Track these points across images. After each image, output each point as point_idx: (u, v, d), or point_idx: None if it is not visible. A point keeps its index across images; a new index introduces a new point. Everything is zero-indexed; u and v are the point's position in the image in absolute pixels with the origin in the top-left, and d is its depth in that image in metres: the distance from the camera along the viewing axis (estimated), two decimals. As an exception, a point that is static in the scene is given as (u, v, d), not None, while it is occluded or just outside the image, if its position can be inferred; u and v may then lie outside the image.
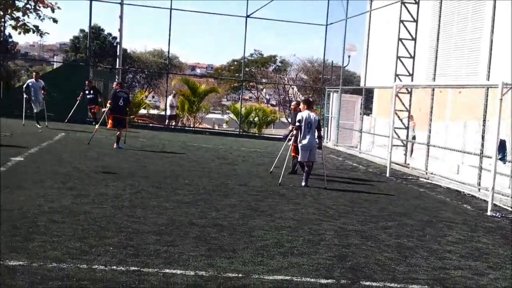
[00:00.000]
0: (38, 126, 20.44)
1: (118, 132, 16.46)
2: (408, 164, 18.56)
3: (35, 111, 21.02)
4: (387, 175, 16.34)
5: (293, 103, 16.29)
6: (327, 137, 27.40)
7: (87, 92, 22.42)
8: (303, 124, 12.67)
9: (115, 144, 16.30)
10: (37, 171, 11.10)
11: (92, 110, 22.97)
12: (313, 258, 6.79)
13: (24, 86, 21.75)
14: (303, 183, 12.61)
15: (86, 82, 22.89)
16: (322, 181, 12.90)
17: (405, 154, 19.27)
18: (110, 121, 16.47)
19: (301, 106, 13.32)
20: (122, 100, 16.26)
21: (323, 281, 5.97)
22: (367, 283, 6.06)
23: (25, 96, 21.21)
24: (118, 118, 16.23)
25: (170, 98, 29.98)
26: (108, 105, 16.70)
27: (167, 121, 29.91)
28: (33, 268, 5.48)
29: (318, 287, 5.76)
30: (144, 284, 5.32)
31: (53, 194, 9.04)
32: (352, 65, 39.79)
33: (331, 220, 9.16)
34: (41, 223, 7.16)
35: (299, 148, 12.90)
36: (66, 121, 22.65)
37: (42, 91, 20.88)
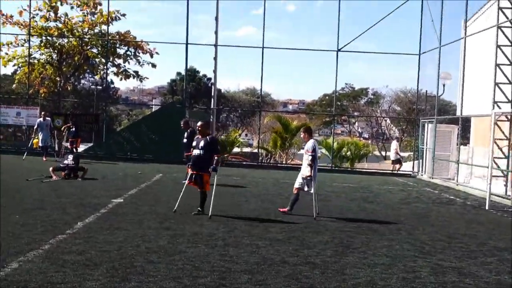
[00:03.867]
0: (43, 159, 23.43)
1: None
2: (510, 196, 17.70)
3: (40, 145, 24.60)
4: (487, 207, 15.64)
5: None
6: (422, 170, 26.69)
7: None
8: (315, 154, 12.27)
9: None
10: (135, 212, 11.53)
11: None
12: (408, 296, 6.59)
13: (35, 126, 24.97)
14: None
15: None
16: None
17: (506, 185, 18.39)
18: None
19: (305, 135, 12.64)
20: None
21: (419, 320, 5.78)
22: (466, 323, 5.80)
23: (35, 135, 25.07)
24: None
25: (394, 143, 31.07)
26: None
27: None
28: (130, 307, 5.66)
29: (413, 327, 5.58)
30: (236, 324, 5.37)
31: (150, 234, 9.34)
32: (447, 94, 38.71)
33: (427, 256, 8.87)
34: (137, 264, 7.40)
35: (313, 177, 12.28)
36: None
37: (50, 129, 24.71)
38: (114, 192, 14.37)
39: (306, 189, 12.46)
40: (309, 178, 12.29)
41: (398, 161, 29.84)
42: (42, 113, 25.86)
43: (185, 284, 6.58)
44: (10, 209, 10.90)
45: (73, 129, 24.48)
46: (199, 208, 11.68)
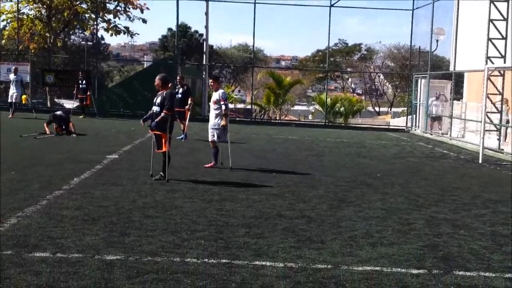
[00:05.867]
0: (10, 115, 22.51)
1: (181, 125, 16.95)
2: (502, 150, 17.84)
3: (8, 100, 23.55)
4: (480, 161, 15.78)
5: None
6: (415, 125, 26.80)
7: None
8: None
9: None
10: (130, 168, 11.56)
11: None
12: (403, 248, 6.70)
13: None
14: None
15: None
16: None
17: (499, 139, 18.52)
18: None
19: (214, 84, 12.21)
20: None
21: (414, 271, 5.89)
22: (460, 273, 5.92)
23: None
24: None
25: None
26: (190, 101, 17.04)
27: None
28: (130, 262, 5.72)
29: (409, 277, 5.68)
30: (235, 276, 5.45)
31: (146, 190, 9.40)
32: (440, 49, 38.65)
33: (421, 209, 8.99)
34: (135, 218, 7.47)
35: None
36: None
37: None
38: (109, 148, 14.38)
39: (217, 139, 12.16)
40: (225, 127, 12.06)
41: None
42: (13, 67, 24.71)
43: (183, 238, 6.66)
44: (6, 166, 10.91)
45: (84, 85, 23.97)
46: (160, 173, 10.45)
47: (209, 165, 12.24)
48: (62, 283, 5.04)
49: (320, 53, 63.86)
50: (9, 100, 23.34)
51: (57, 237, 6.40)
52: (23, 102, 25.83)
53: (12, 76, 23.23)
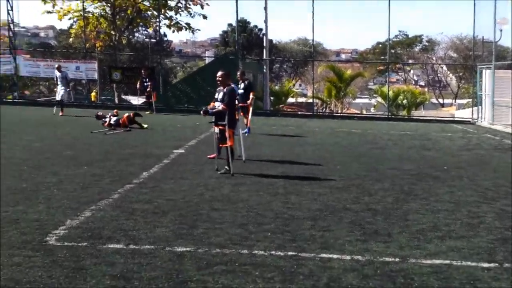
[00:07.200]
0: (60, 114, 22.05)
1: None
2: None
3: (56, 99, 22.92)
4: (552, 153, 15.25)
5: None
6: (481, 116, 26.11)
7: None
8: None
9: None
10: (196, 162, 11.78)
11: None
12: (473, 241, 6.60)
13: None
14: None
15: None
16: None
17: None
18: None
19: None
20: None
21: (485, 264, 5.79)
22: (533, 267, 5.79)
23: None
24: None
25: None
26: (252, 96, 17.15)
27: None
28: (199, 253, 5.86)
29: (479, 271, 5.60)
30: (302, 269, 5.50)
31: (213, 183, 9.57)
32: (505, 39, 37.40)
33: (490, 202, 8.79)
34: (203, 211, 7.62)
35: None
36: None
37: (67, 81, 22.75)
38: (175, 143, 14.69)
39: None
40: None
41: None
42: (57, 65, 24.41)
43: (250, 230, 6.77)
44: (78, 161, 11.33)
45: (148, 82, 24.33)
46: (226, 167, 10.50)
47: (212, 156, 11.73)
48: (135, 273, 5.23)
49: (380, 45, 62.83)
50: (57, 98, 22.90)
51: (129, 229, 6.63)
52: (93, 100, 26.53)
53: (57, 73, 22.73)
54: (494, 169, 12.25)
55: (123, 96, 38.39)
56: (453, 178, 10.85)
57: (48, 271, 5.20)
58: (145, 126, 18.03)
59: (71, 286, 4.89)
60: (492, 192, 9.61)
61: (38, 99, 24.89)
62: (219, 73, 10.79)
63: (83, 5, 32.37)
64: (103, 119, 18.14)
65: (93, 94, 25.59)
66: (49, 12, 33.35)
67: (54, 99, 24.17)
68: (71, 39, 37.91)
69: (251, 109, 17.25)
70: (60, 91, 22.58)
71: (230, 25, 56.79)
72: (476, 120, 26.64)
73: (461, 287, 5.19)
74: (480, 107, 26.71)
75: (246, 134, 16.95)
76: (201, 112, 10.92)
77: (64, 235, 6.34)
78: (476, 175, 11.30)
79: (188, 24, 35.51)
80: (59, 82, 22.55)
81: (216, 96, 10.84)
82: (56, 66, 23.71)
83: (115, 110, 18.67)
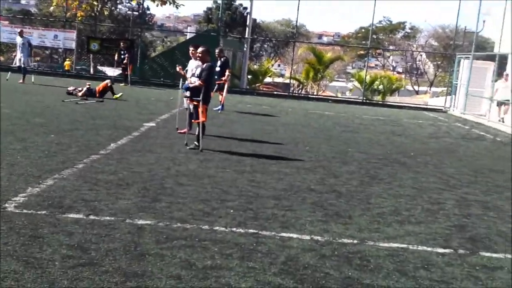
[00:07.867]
0: (20, 81, 20.95)
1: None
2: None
3: (16, 65, 22.16)
4: (518, 145, 15.52)
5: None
6: (454, 105, 26.40)
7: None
8: None
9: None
10: (166, 136, 11.74)
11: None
12: (431, 227, 6.70)
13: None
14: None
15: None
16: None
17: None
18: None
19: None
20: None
21: (440, 250, 5.90)
22: (487, 254, 5.90)
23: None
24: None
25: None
26: (228, 73, 17.09)
27: None
28: (159, 227, 5.86)
29: (434, 256, 5.70)
30: (261, 247, 5.54)
31: (180, 158, 9.55)
32: (487, 30, 37.66)
33: (452, 189, 8.93)
34: (168, 185, 7.62)
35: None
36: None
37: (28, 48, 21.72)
38: (147, 116, 14.61)
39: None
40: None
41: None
42: (19, 30, 23.29)
43: (213, 206, 6.79)
44: (46, 129, 11.21)
45: (126, 54, 24.15)
46: (195, 142, 10.47)
47: (183, 131, 11.66)
48: (93, 244, 5.20)
49: (363, 30, 62.99)
50: (17, 64, 22.01)
51: (91, 200, 6.59)
52: (66, 68, 26.16)
53: (18, 39, 21.79)
54: (460, 158, 12.43)
55: (99, 67, 37.98)
56: (419, 165, 10.98)
57: (4, 238, 5.16)
58: (118, 95, 17.92)
59: (27, 254, 4.85)
60: (455, 180, 9.76)
61: (12, 65, 24.17)
62: (200, 49, 10.64)
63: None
64: (76, 90, 17.87)
65: (67, 63, 25.23)
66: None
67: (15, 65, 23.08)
68: (52, 8, 37.23)
69: (226, 86, 17.20)
70: (19, 57, 21.74)
71: (215, 1, 56.36)
72: (448, 108, 26.94)
73: (415, 271, 5.27)
74: (453, 96, 26.99)
75: (220, 111, 16.94)
76: (184, 90, 10.81)
77: (23, 203, 6.28)
78: (441, 163, 11.45)
79: (172, -2, 35.12)
80: (18, 48, 21.77)
81: (193, 72, 10.75)
82: (19, 31, 22.73)
83: (88, 83, 18.42)
